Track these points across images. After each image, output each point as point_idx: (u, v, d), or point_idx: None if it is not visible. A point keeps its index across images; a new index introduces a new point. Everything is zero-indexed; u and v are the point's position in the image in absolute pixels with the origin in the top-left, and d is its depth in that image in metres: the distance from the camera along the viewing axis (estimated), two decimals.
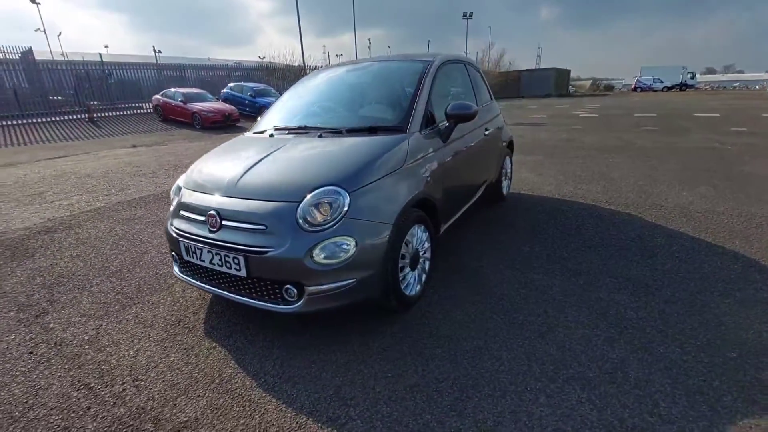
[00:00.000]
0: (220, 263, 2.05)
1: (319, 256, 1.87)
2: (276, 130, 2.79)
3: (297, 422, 1.62)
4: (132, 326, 2.35)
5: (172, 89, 15.71)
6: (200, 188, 2.28)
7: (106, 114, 16.57)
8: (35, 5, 27.91)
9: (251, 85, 17.49)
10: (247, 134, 2.89)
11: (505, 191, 4.40)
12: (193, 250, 2.14)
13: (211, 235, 2.06)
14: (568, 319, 2.23)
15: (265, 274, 1.96)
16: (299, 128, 2.69)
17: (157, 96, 15.72)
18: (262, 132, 2.84)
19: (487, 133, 3.49)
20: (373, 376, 1.85)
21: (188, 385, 1.86)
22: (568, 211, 4.06)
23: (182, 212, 2.28)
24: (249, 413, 1.68)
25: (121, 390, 1.84)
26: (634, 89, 45.27)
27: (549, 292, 2.52)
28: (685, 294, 2.43)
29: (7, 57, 17.50)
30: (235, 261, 1.97)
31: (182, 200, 2.31)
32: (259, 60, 33.70)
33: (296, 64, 27.97)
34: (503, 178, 4.28)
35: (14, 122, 14.56)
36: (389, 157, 2.20)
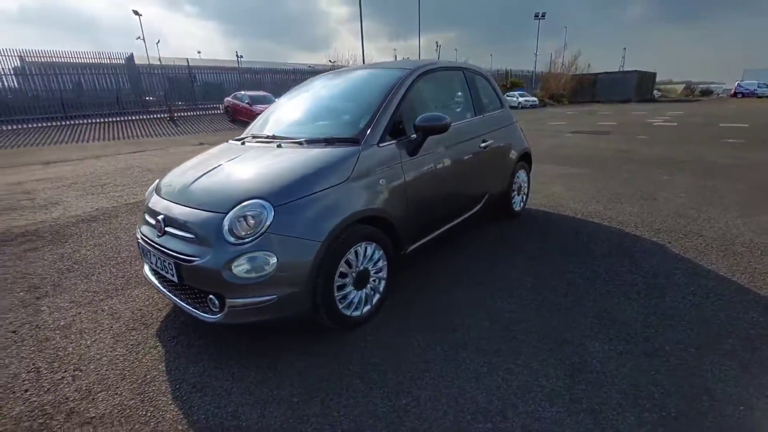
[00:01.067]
0: (161, 267, 2.10)
1: (238, 269, 1.84)
2: (252, 138, 2.81)
3: None
4: (103, 317, 2.50)
5: (241, 92, 16.85)
6: (160, 193, 2.36)
7: (186, 114, 18.21)
8: (138, 17, 31.79)
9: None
10: (231, 141, 2.95)
11: (517, 207, 4.05)
12: (146, 252, 2.23)
13: (157, 240, 2.13)
14: (518, 361, 1.96)
15: (192, 283, 1.97)
16: (268, 137, 2.69)
17: (228, 98, 16.96)
18: (241, 140, 2.88)
19: (484, 145, 3.22)
20: (278, 401, 1.77)
21: (115, 381, 1.93)
22: (584, 234, 3.62)
23: (145, 215, 2.38)
24: (147, 419, 1.69)
25: (60, 378, 1.96)
26: (734, 95, 39.75)
27: (513, 327, 2.24)
28: (675, 349, 2.02)
29: (114, 62, 20.05)
30: (169, 267, 2.01)
31: (147, 203, 2.42)
32: (330, 63, 35.04)
33: None
34: (514, 193, 3.94)
35: (114, 119, 16.62)
36: (329, 171, 2.10)
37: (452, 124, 2.94)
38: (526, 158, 4.09)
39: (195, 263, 1.90)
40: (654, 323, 2.24)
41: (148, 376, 1.95)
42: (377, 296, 2.37)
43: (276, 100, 15.43)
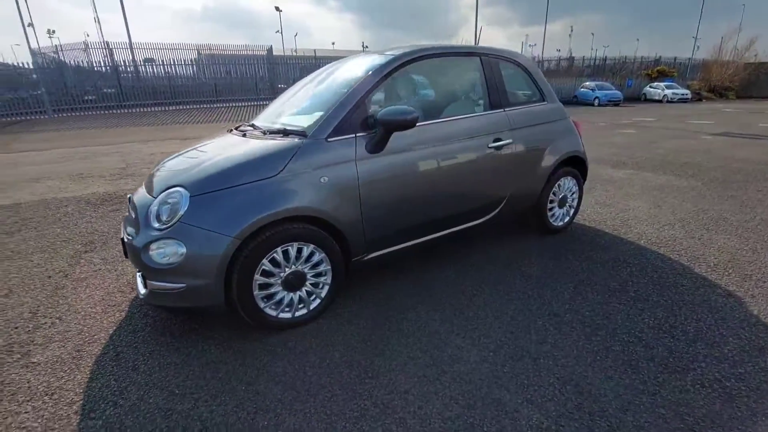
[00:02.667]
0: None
1: (153, 253, 1.87)
2: (248, 126, 2.83)
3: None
4: (111, 276, 2.84)
5: None
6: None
7: None
8: (278, 12, 35.50)
9: None
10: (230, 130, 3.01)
11: (557, 222, 3.36)
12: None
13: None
14: (416, 407, 1.61)
15: (130, 260, 2.09)
16: (252, 126, 2.66)
17: None
18: (239, 128, 2.92)
19: (496, 145, 2.70)
20: (161, 388, 1.76)
21: (72, 335, 2.16)
22: (627, 269, 2.83)
23: None
24: (61, 377, 1.85)
25: (43, 322, 2.28)
26: None
27: (447, 366, 1.86)
28: None
29: (257, 54, 22.86)
30: (123, 243, 2.16)
31: None
32: None
33: None
34: (553, 205, 3.27)
35: (249, 104, 19.03)
36: (258, 164, 1.98)
37: (445, 120, 2.56)
38: (575, 164, 3.35)
39: (129, 242, 2.00)
40: None
41: (96, 337, 2.14)
42: (317, 301, 2.21)
43: None
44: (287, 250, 2.03)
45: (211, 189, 1.90)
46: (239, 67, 22.25)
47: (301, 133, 2.15)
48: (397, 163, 2.30)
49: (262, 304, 2.03)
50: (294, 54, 29.09)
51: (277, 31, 38.21)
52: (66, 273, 2.90)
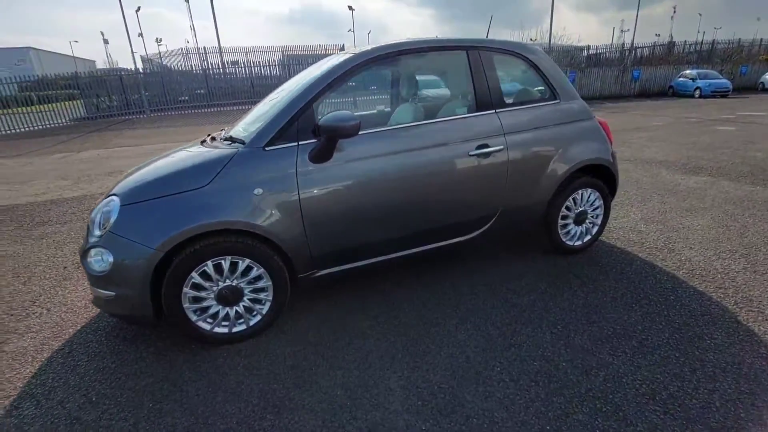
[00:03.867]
0: None
1: (90, 260, 1.89)
2: (219, 132, 2.76)
3: None
4: None
5: None
6: None
7: None
8: (351, 11, 36.08)
9: None
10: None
11: (574, 242, 2.83)
12: None
13: None
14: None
15: None
16: (221, 132, 2.58)
17: None
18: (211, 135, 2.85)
19: (481, 152, 2.31)
20: (81, 393, 1.77)
21: (47, 326, 2.31)
22: (654, 306, 2.26)
23: None
24: (19, 365, 1.97)
25: (34, 311, 2.48)
26: None
27: (363, 412, 1.61)
28: None
29: (331, 53, 23.62)
30: None
31: None
32: (530, 41, 31.88)
33: (581, 44, 25.10)
34: (568, 221, 2.76)
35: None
36: (187, 174, 1.90)
37: (410, 125, 2.26)
38: (599, 173, 2.78)
39: (82, 246, 2.06)
40: None
41: (64, 332, 2.25)
42: (258, 318, 2.08)
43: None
44: (219, 263, 1.92)
45: (139, 199, 1.85)
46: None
47: (241, 142, 2.02)
48: (349, 174, 2.06)
49: (193, 317, 1.95)
50: None
51: (350, 30, 38.96)
52: (79, 265, 3.15)
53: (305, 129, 2.00)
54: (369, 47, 2.24)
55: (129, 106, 17.12)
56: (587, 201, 2.79)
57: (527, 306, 2.28)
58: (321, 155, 1.98)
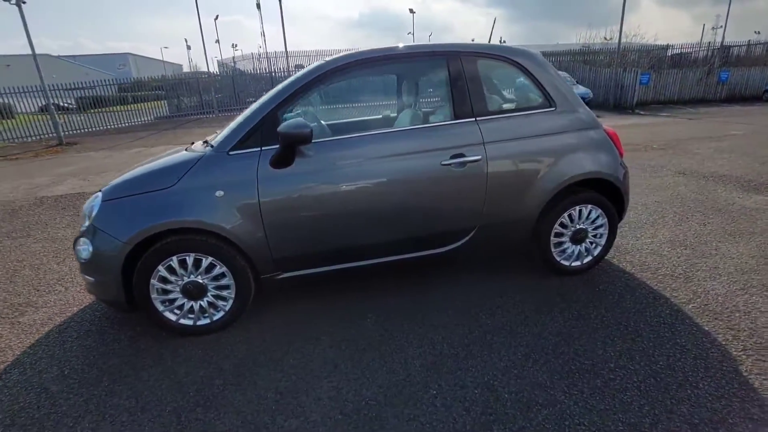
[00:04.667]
0: None
1: (78, 247, 2.10)
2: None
3: None
4: None
5: None
6: None
7: None
8: (412, 14, 36.01)
9: None
10: None
11: (573, 262, 2.58)
12: None
13: None
14: None
15: None
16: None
17: None
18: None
19: (459, 161, 2.18)
20: (48, 397, 1.91)
21: (56, 301, 2.61)
22: (641, 343, 1.99)
23: None
24: (16, 336, 2.24)
25: (53, 288, 2.81)
26: None
27: (283, 418, 1.60)
28: None
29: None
30: None
31: None
32: (605, 41, 29.53)
33: (660, 43, 22.83)
34: (564, 239, 2.52)
35: (376, 103, 20.03)
36: (159, 175, 2.03)
37: (378, 132, 2.22)
38: (602, 188, 2.50)
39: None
40: None
41: (68, 309, 2.53)
42: (221, 313, 2.16)
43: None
44: (184, 259, 2.03)
45: (117, 196, 2.02)
46: None
47: (212, 146, 2.12)
48: (311, 180, 2.07)
49: (161, 308, 2.09)
50: None
51: (409, 33, 39.08)
52: None
53: (269, 135, 2.04)
54: (342, 55, 2.22)
55: (203, 106, 18.67)
56: (587, 218, 2.53)
57: (495, 327, 2.12)
58: (280, 161, 2.01)
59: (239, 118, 2.17)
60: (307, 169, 2.06)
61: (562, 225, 2.50)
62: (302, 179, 2.06)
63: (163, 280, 2.05)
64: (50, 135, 12.28)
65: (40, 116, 12.69)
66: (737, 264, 2.70)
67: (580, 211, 2.49)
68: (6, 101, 13.14)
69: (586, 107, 2.53)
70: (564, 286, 2.50)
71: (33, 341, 2.21)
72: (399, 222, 2.24)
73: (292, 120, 1.93)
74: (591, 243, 2.60)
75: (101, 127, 15.19)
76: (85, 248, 2.04)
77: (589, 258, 2.62)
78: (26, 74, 11.98)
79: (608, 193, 2.54)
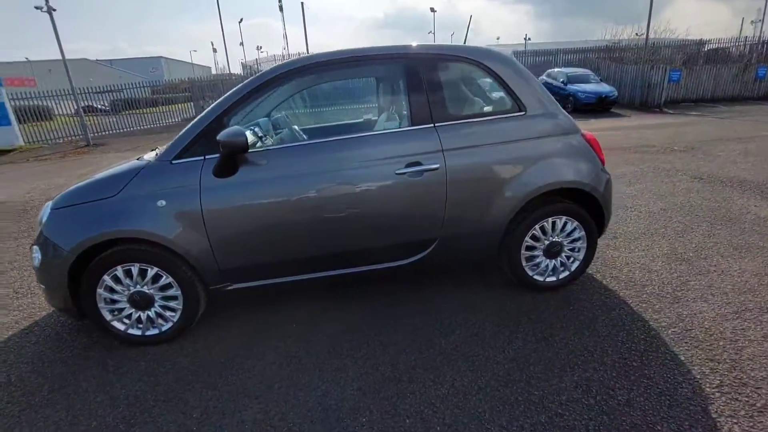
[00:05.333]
0: None
1: (32, 255, 2.10)
2: None
3: None
4: None
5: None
6: None
7: None
8: (433, 13, 35.86)
9: (566, 70, 15.15)
10: None
11: (548, 278, 2.39)
12: None
13: None
14: None
15: None
16: None
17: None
18: None
19: (414, 170, 2.05)
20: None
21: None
22: (592, 370, 1.80)
23: None
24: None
25: None
26: None
27: (198, 427, 1.53)
28: None
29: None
30: None
31: None
32: (635, 37, 28.14)
33: (692, 38, 21.51)
34: (536, 253, 2.34)
35: None
36: (102, 184, 2.02)
37: (330, 139, 2.11)
38: (579, 199, 2.30)
39: None
40: None
41: (42, 312, 2.56)
42: (169, 324, 2.12)
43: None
44: (129, 269, 2.00)
45: (64, 204, 2.01)
46: None
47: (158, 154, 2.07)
48: (257, 189, 1.99)
49: (109, 317, 2.06)
50: None
51: (430, 32, 38.76)
52: None
53: (213, 144, 1.97)
54: (293, 59, 2.13)
55: None
56: (562, 231, 2.33)
57: (447, 349, 1.97)
58: (222, 170, 1.94)
59: (187, 126, 2.12)
60: (253, 178, 1.99)
61: (534, 238, 2.31)
62: (248, 188, 1.98)
63: (110, 289, 2.02)
64: (80, 136, 12.87)
65: (73, 118, 13.32)
66: (735, 283, 2.42)
67: (554, 223, 2.30)
68: (45, 104, 13.87)
69: (563, 111, 2.33)
70: (535, 303, 2.32)
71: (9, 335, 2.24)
72: (353, 234, 2.13)
73: (230, 128, 1.86)
74: (568, 257, 2.40)
75: (130, 129, 15.77)
76: (36, 256, 2.04)
77: (566, 273, 2.42)
78: (66, 78, 12.68)
79: (586, 204, 2.34)
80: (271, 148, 2.05)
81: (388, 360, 1.92)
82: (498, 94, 2.26)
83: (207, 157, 1.98)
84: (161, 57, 50.72)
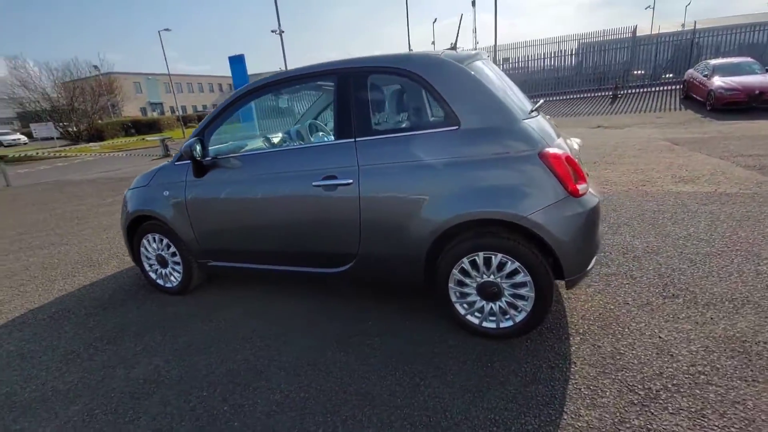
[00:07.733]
0: None
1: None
2: None
3: None
4: None
5: (707, 60, 12.09)
6: None
7: (640, 90, 15.92)
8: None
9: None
10: None
11: (484, 322, 2.00)
12: None
13: None
14: None
15: None
16: None
17: (690, 69, 12.55)
18: None
19: (328, 184, 2.08)
20: None
21: None
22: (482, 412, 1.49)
23: None
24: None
25: None
26: None
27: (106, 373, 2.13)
28: None
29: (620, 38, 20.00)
30: None
31: None
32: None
33: None
34: (466, 288, 2.00)
35: (566, 97, 17.29)
36: (145, 176, 2.85)
37: (266, 150, 2.46)
38: (528, 236, 1.82)
39: None
40: None
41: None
42: (179, 276, 2.87)
43: (763, 69, 11.28)
44: (156, 237, 2.84)
45: (133, 187, 2.98)
46: (605, 53, 20.27)
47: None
48: (213, 190, 2.49)
49: (147, 268, 2.98)
50: (658, 32, 21.87)
51: (648, 7, 30.12)
52: None
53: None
54: (250, 83, 2.48)
55: None
56: (496, 270, 1.89)
57: (354, 393, 1.88)
58: (195, 172, 2.50)
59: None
60: (215, 179, 2.49)
61: (464, 272, 1.97)
62: (210, 187, 2.51)
63: (146, 249, 2.92)
64: None
65: None
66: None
67: (487, 259, 1.90)
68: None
69: (519, 125, 1.85)
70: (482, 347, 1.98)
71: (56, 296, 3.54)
72: (285, 237, 2.37)
73: (187, 140, 2.39)
74: (510, 305, 1.93)
75: None
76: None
77: (509, 323, 1.95)
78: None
79: (537, 242, 1.82)
80: (229, 156, 2.50)
81: (271, 387, 2.10)
82: (430, 105, 2.01)
83: (202, 159, 2.58)
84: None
